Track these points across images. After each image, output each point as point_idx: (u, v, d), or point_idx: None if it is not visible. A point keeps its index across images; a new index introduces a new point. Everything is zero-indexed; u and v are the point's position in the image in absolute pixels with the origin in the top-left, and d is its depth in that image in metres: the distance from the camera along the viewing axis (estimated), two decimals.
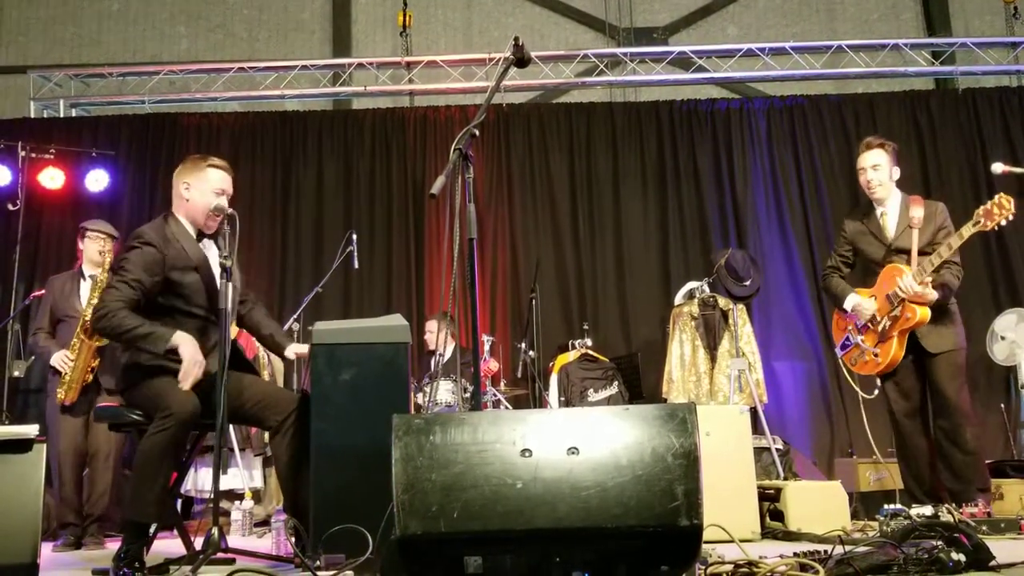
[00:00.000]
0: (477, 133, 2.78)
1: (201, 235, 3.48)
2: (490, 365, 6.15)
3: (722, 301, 6.16)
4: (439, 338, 6.55)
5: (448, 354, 6.61)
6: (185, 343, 3.15)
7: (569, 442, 2.07)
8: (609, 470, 2.02)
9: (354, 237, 5.84)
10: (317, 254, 7.57)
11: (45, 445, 2.12)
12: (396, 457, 2.06)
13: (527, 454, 2.06)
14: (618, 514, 1.96)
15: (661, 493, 1.99)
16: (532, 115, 7.98)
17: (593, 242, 7.63)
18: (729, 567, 2.44)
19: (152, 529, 3.31)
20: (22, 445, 2.09)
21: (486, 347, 6.16)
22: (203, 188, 3.43)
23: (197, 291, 3.36)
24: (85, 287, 4.89)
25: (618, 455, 2.05)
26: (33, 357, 6.40)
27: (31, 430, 2.12)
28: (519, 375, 6.52)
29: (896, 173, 4.35)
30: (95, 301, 4.61)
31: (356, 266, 6.00)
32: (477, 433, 2.10)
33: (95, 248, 4.91)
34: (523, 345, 6.47)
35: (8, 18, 8.74)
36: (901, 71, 8.10)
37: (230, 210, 3.35)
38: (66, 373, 4.62)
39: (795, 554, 2.58)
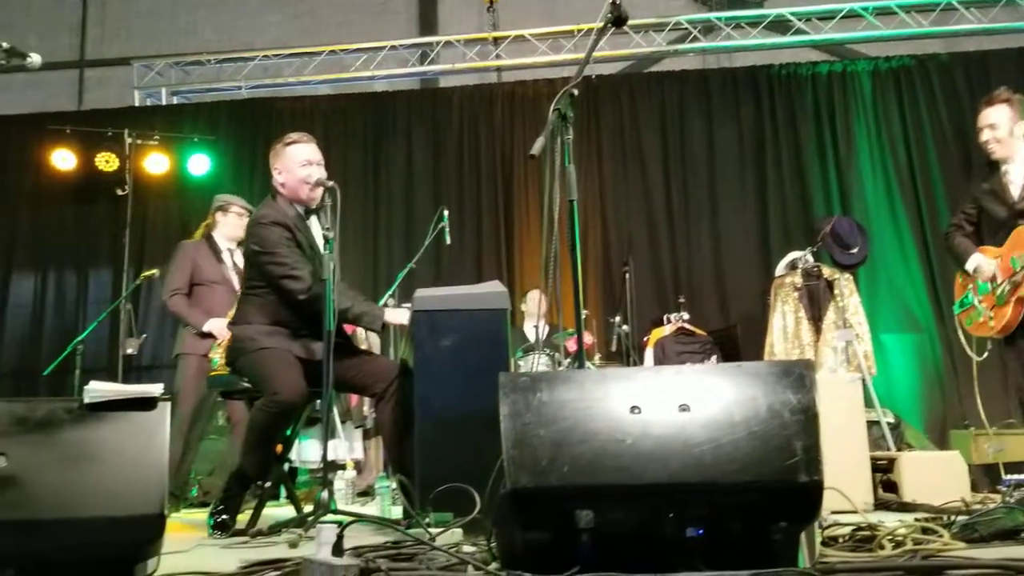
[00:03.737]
0: (576, 93, 2.77)
1: (308, 212, 3.62)
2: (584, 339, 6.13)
3: (827, 271, 5.98)
4: (540, 308, 6.60)
5: (543, 328, 6.64)
6: (395, 316, 3.50)
7: (679, 399, 2.04)
8: (722, 426, 1.99)
9: (445, 213, 5.89)
10: (408, 231, 7.71)
11: (170, 403, 2.22)
12: (504, 413, 2.07)
13: (636, 411, 2.04)
14: (733, 469, 1.93)
15: (778, 449, 1.95)
16: (622, 86, 7.91)
17: (687, 213, 7.53)
18: (847, 529, 2.38)
19: (259, 493, 3.47)
20: (148, 403, 2.20)
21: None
22: (290, 167, 3.59)
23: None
24: (226, 257, 5.08)
25: (731, 412, 2.01)
26: (145, 335, 6.74)
27: (156, 388, 2.22)
28: (613, 349, 6.49)
29: (1020, 129, 4.12)
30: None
31: (448, 242, 6.06)
32: (584, 390, 2.10)
33: (241, 224, 5.01)
34: (617, 319, 6.44)
35: (111, 13, 9.12)
36: (1016, 27, 7.69)
37: (331, 183, 3.44)
38: (223, 340, 4.72)
39: (916, 519, 2.51)
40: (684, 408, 2.03)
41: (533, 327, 6.74)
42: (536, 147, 2.59)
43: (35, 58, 3.35)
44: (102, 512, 2.06)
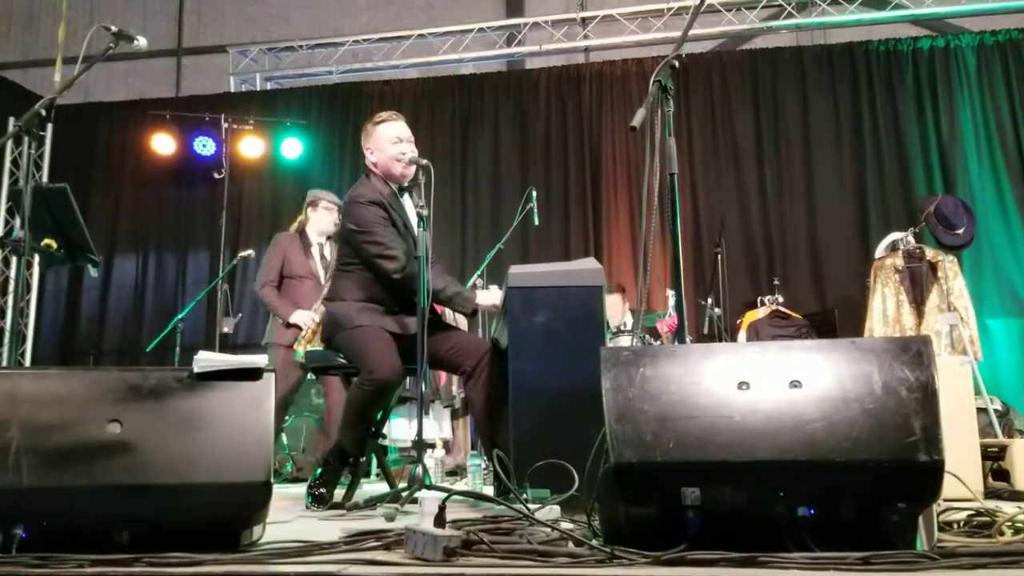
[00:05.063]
0: (677, 64, 2.70)
1: (401, 190, 3.64)
2: (675, 321, 6.04)
3: (929, 252, 5.75)
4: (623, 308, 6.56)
5: (628, 320, 6.59)
6: (487, 297, 3.57)
7: (790, 375, 1.99)
8: (835, 403, 1.93)
9: (533, 193, 5.86)
10: (495, 213, 7.72)
11: (274, 375, 2.26)
12: (606, 387, 2.04)
13: (744, 387, 1.99)
14: (847, 447, 1.87)
15: (895, 427, 1.87)
16: (714, 64, 7.75)
17: (781, 194, 7.36)
18: (963, 515, 2.27)
19: (354, 469, 3.52)
20: (255, 373, 2.24)
21: (670, 302, 6.04)
22: (382, 146, 3.61)
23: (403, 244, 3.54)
24: (315, 252, 5.27)
25: (845, 388, 1.95)
26: (240, 315, 6.93)
27: (262, 359, 2.27)
28: (704, 332, 6.38)
29: None
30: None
31: (536, 223, 6.03)
32: (689, 365, 2.05)
33: (330, 219, 5.27)
34: (709, 301, 6.32)
35: (206, 2, 9.37)
36: None
37: (424, 160, 3.44)
38: (306, 332, 4.93)
39: None
40: (795, 384, 1.97)
41: (639, 310, 6.62)
42: (637, 119, 2.54)
43: (142, 41, 3.44)
44: (210, 478, 2.11)
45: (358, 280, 3.53)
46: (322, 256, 5.28)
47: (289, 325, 5.04)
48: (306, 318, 4.96)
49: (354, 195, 3.58)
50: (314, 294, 5.04)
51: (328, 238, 5.31)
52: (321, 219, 5.32)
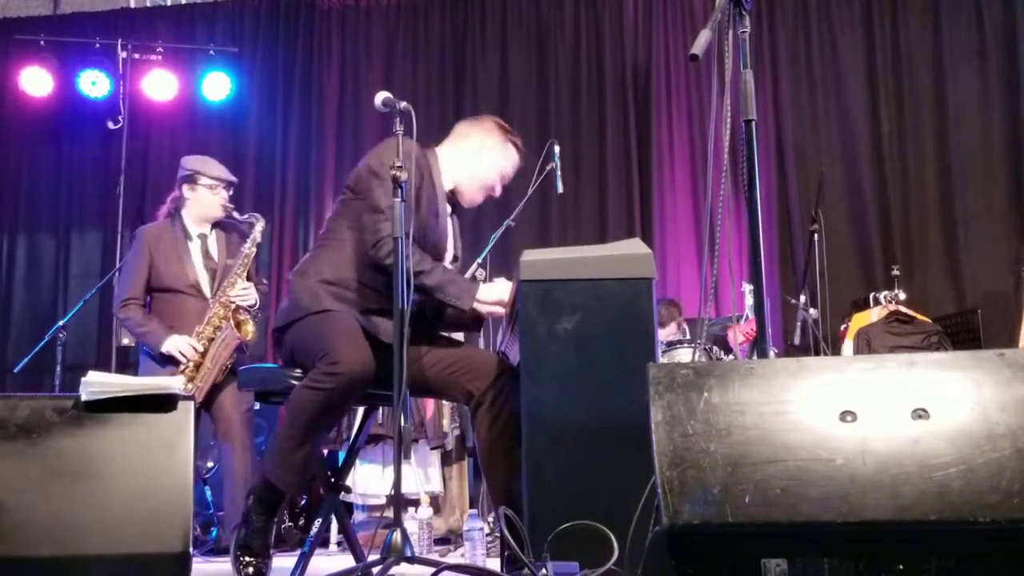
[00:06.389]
0: None
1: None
2: (753, 326, 6.06)
3: None
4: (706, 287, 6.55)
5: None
6: (492, 291, 3.58)
7: (913, 401, 2.01)
8: (977, 441, 1.94)
9: (556, 149, 5.89)
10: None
11: (192, 403, 2.28)
12: (657, 420, 2.06)
13: (850, 418, 2.01)
14: (993, 503, 1.88)
15: None
16: None
17: (903, 147, 7.43)
18: None
19: (299, 531, 3.55)
20: (166, 402, 2.25)
21: (746, 301, 6.07)
22: (499, 163, 3.77)
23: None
24: (195, 249, 5.09)
25: (991, 420, 1.96)
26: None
27: (176, 382, 2.29)
28: (796, 341, 6.41)
29: None
30: (236, 278, 4.91)
31: (560, 190, 6.05)
32: (772, 388, 2.08)
33: (216, 202, 5.12)
34: (802, 299, 6.34)
35: None
36: None
37: (403, 103, 3.45)
38: (187, 368, 4.81)
39: None
40: (920, 414, 1.99)
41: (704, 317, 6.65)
42: (699, 44, 2.56)
43: None
44: (106, 549, 2.14)
45: (343, 256, 3.55)
46: (206, 254, 5.10)
47: (165, 358, 4.87)
48: (182, 345, 4.82)
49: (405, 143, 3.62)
50: (196, 312, 4.91)
51: (214, 227, 5.15)
52: (203, 201, 5.10)
